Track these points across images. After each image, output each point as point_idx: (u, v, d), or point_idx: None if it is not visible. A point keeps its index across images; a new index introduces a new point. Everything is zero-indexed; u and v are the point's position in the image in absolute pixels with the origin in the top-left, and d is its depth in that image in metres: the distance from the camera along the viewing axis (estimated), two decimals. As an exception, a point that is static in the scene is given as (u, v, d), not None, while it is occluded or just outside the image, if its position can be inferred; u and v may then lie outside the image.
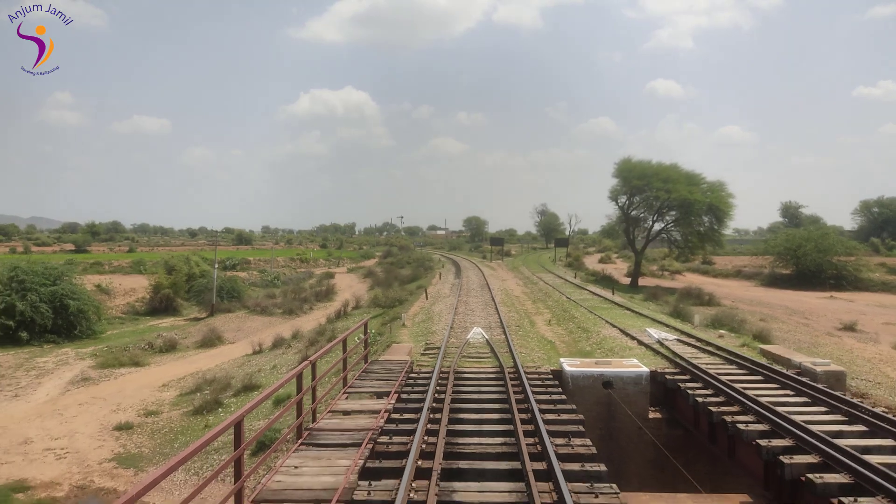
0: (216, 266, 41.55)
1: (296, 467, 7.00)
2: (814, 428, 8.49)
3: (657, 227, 47.55)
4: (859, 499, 6.49)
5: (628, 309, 24.74)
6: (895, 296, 43.64)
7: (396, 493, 6.24)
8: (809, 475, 7.14)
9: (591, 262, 75.62)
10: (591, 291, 33.48)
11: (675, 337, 16.69)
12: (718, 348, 15.00)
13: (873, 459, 7.30)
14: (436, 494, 6.37)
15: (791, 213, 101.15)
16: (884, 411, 9.78)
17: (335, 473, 6.81)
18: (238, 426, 5.73)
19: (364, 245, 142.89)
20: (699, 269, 62.08)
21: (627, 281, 48.58)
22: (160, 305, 42.82)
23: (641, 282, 47.50)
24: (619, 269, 63.60)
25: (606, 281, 46.65)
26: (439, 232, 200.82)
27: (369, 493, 6.40)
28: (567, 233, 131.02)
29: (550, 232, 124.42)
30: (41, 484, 14.82)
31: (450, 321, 20.13)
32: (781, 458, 7.66)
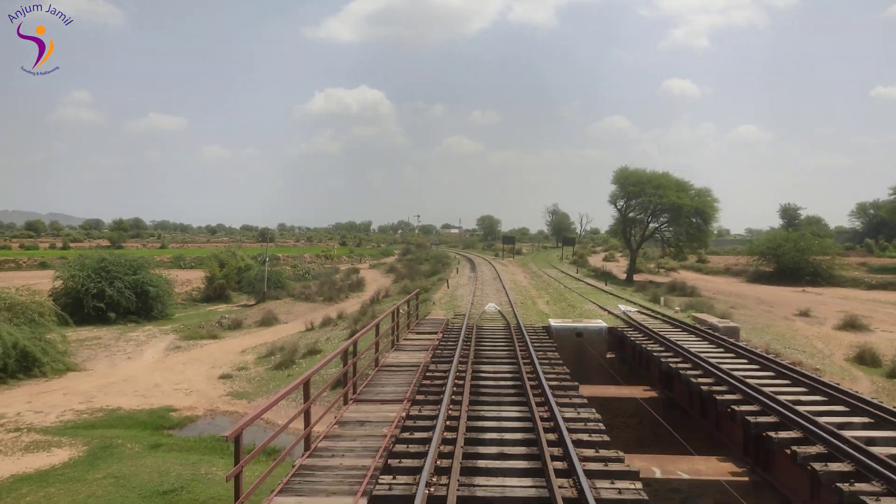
0: (267, 259, 47.84)
1: (395, 356, 13.09)
2: (693, 349, 14.38)
3: (651, 227, 53.28)
4: (702, 378, 12.29)
5: (612, 294, 30.62)
6: (860, 290, 49.08)
7: (451, 367, 12.23)
8: (673, 366, 13.08)
9: (596, 260, 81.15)
10: (587, 283, 39.35)
11: (637, 310, 22.62)
12: (664, 316, 20.91)
13: (723, 365, 13.13)
14: (471, 368, 12.39)
15: (790, 215, 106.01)
16: (747, 346, 15.67)
17: (418, 359, 12.91)
18: (377, 326, 11.78)
19: (382, 243, 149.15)
20: (693, 266, 67.58)
21: (625, 276, 54.28)
22: (214, 294, 49.27)
23: (637, 277, 53.20)
24: (620, 266, 69.15)
25: (605, 276, 52.33)
26: (453, 231, 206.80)
27: (437, 367, 12.44)
28: (578, 232, 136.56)
29: (561, 231, 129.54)
30: (183, 408, 20.98)
31: (470, 300, 26.17)
32: (662, 361, 13.61)
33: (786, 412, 9.17)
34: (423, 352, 13.77)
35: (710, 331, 17.74)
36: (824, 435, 8.21)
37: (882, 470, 7.00)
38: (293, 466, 7.01)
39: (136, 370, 26.59)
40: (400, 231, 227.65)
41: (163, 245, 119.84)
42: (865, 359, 23.93)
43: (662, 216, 51.39)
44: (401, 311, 16.41)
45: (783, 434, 8.56)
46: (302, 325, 34.79)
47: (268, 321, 37.56)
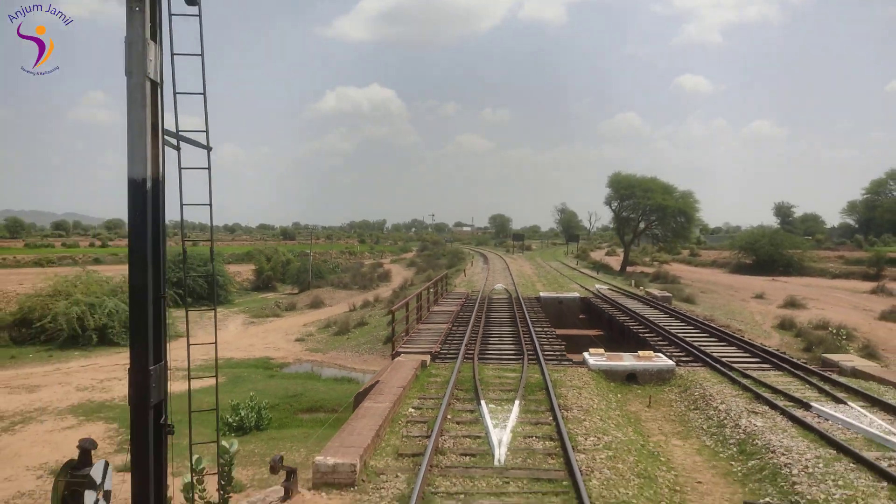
0: (311, 254, 55.93)
1: (438, 308, 20.98)
2: (628, 307, 22.05)
3: (642, 225, 60.76)
4: (624, 318, 20.00)
5: (597, 279, 38.26)
6: (825, 279, 56.17)
7: (472, 313, 20.03)
8: (612, 315, 20.81)
9: (599, 255, 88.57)
10: (582, 272, 47.00)
11: (608, 288, 30.30)
12: (625, 290, 28.55)
13: (642, 312, 20.77)
14: (485, 314, 20.21)
15: (783, 213, 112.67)
16: (666, 305, 23.32)
17: (452, 309, 20.78)
18: (429, 288, 19.60)
19: (398, 241, 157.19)
20: (685, 259, 74.90)
21: (619, 268, 61.77)
22: (262, 284, 57.44)
23: (631, 269, 60.63)
24: (619, 260, 76.51)
25: (602, 268, 59.83)
26: (465, 229, 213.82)
27: (464, 313, 20.30)
28: (588, 229, 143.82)
29: (569, 229, 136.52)
30: (277, 357, 28.87)
31: (483, 283, 33.99)
32: (607, 313, 21.35)
33: (657, 328, 16.90)
34: (454, 307, 21.62)
35: (650, 298, 25.40)
36: (671, 336, 15.94)
37: (683, 345, 14.76)
38: (401, 340, 14.87)
39: (228, 337, 34.60)
40: (413, 229, 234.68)
41: (194, 243, 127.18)
42: (785, 325, 31.31)
43: (652, 216, 58.80)
44: (438, 285, 24.27)
45: (649, 335, 16.33)
46: (346, 307, 42.64)
47: (316, 304, 45.54)
